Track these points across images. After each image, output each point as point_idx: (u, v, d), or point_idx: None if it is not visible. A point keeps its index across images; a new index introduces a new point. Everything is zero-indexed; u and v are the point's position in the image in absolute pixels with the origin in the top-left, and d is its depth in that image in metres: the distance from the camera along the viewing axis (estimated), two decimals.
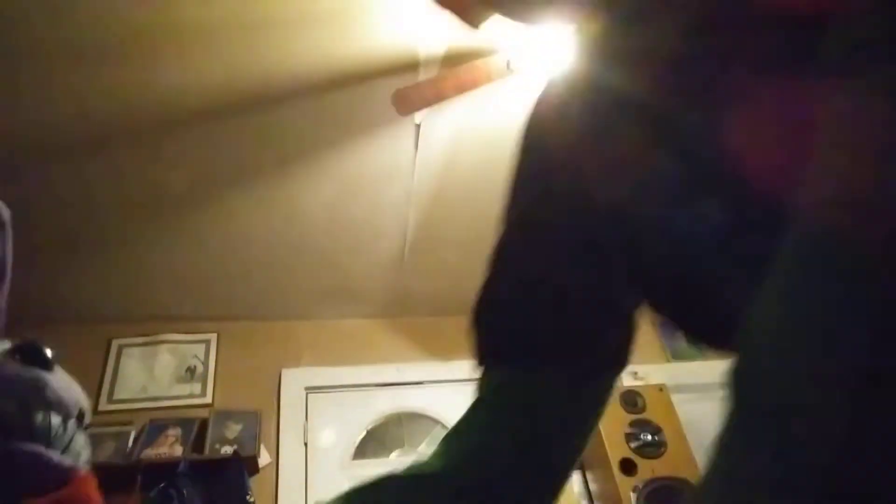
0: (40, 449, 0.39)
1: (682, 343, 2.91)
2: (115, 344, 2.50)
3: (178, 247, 2.25)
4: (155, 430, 2.28)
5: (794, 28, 0.32)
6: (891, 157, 0.28)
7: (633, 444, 2.13)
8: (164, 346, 2.55)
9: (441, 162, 2.07)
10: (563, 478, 0.50)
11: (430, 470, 0.48)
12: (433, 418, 2.62)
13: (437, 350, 2.77)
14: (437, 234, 2.39)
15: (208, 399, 2.42)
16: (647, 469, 2.08)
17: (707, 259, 0.42)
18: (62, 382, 0.46)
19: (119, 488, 1.87)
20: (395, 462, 2.50)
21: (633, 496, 2.02)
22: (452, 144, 2.00)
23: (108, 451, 2.16)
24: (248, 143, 1.88)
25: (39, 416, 0.41)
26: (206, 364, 2.52)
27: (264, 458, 2.29)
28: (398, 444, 2.58)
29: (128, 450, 2.20)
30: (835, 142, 0.31)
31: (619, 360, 0.50)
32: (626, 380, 2.35)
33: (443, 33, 1.61)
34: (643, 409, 2.22)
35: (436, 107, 1.75)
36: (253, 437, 2.32)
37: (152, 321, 2.57)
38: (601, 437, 2.13)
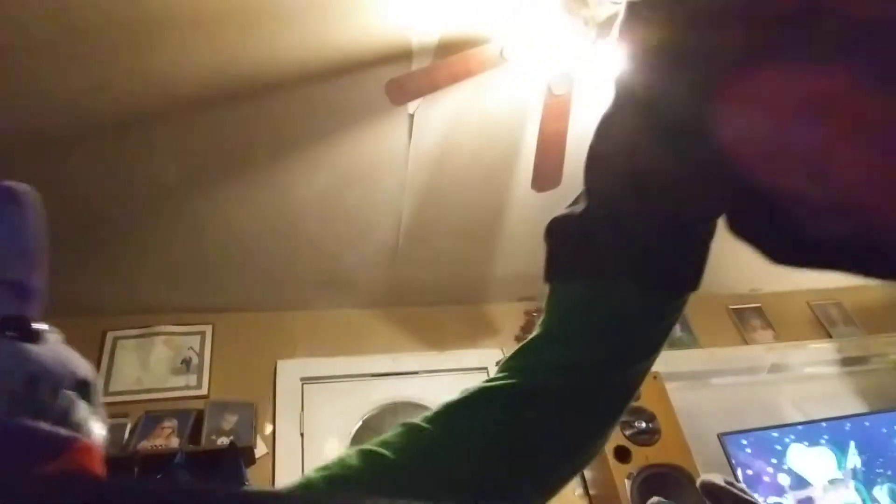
0: (24, 420, 0.38)
1: (675, 332, 2.93)
2: (109, 336, 2.50)
3: (172, 238, 2.24)
4: (151, 422, 2.28)
5: (797, 19, 0.32)
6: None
7: (627, 432, 2.15)
8: (159, 338, 2.54)
9: (435, 151, 2.06)
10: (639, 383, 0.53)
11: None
12: (428, 408, 2.62)
13: (432, 340, 2.78)
14: (432, 223, 2.39)
15: (204, 390, 2.42)
16: (642, 456, 2.10)
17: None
18: (49, 353, 0.45)
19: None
20: None
21: (627, 483, 2.04)
22: (446, 134, 2.00)
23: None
24: (241, 133, 1.87)
25: (20, 387, 0.40)
26: (201, 355, 2.52)
27: (260, 449, 2.30)
28: None
29: (123, 442, 2.20)
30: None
31: (698, 282, 0.52)
32: None
33: (436, 22, 1.60)
34: (637, 397, 2.23)
35: (429, 96, 1.74)
36: (249, 427, 2.32)
37: (147, 313, 2.57)
38: None
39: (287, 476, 2.28)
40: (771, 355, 2.91)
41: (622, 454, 2.11)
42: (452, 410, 0.50)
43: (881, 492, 2.33)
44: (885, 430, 2.49)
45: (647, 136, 0.46)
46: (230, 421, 2.33)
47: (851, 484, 2.33)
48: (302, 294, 2.67)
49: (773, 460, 2.36)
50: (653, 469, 2.07)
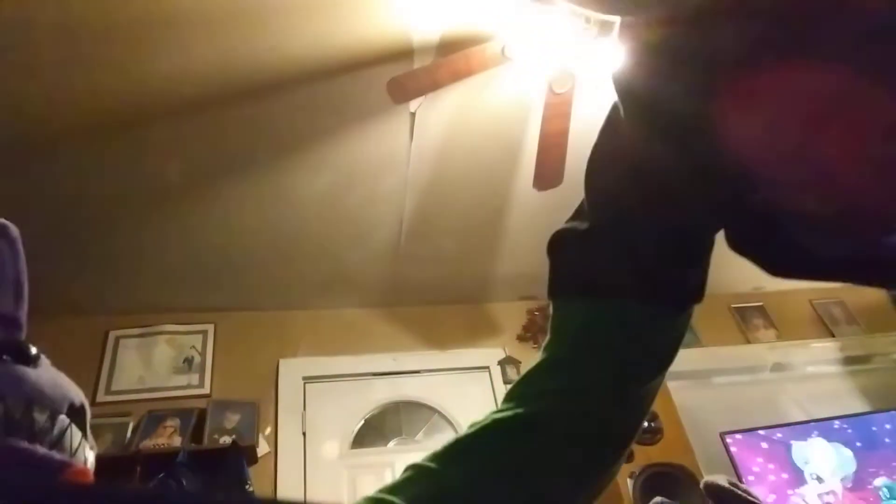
0: (20, 443, 0.38)
1: None
2: (112, 336, 2.50)
3: (174, 238, 2.25)
4: (153, 421, 2.28)
5: (800, 18, 0.32)
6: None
7: None
8: (162, 338, 2.55)
9: (436, 150, 2.06)
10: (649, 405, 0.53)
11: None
12: (430, 407, 2.63)
13: (434, 339, 2.78)
14: (434, 222, 2.39)
15: (206, 390, 2.42)
16: (644, 456, 2.10)
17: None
18: (45, 377, 0.45)
19: (118, 479, 1.87)
20: (392, 451, 2.51)
21: (629, 482, 2.04)
22: (448, 132, 2.00)
23: (106, 443, 2.17)
24: (242, 132, 1.87)
25: (19, 412, 0.40)
26: (203, 355, 2.52)
27: (263, 448, 2.30)
28: (396, 432, 2.59)
29: (126, 441, 2.21)
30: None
31: (702, 294, 0.52)
32: None
33: (437, 21, 1.60)
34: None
35: (431, 95, 1.74)
36: (251, 426, 2.33)
37: (149, 313, 2.57)
38: None
39: (289, 475, 2.29)
40: (773, 354, 2.91)
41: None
42: (461, 447, 0.48)
43: (878, 484, 2.32)
44: (888, 427, 2.49)
45: (649, 136, 0.46)
46: (232, 420, 2.33)
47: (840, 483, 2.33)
48: (304, 293, 2.68)
49: (776, 459, 2.35)
50: (655, 468, 2.07)
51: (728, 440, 2.34)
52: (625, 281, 0.50)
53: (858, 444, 2.44)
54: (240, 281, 2.53)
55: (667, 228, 0.49)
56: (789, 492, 2.29)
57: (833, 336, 3.08)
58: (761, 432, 2.41)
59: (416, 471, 0.46)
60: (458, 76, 1.56)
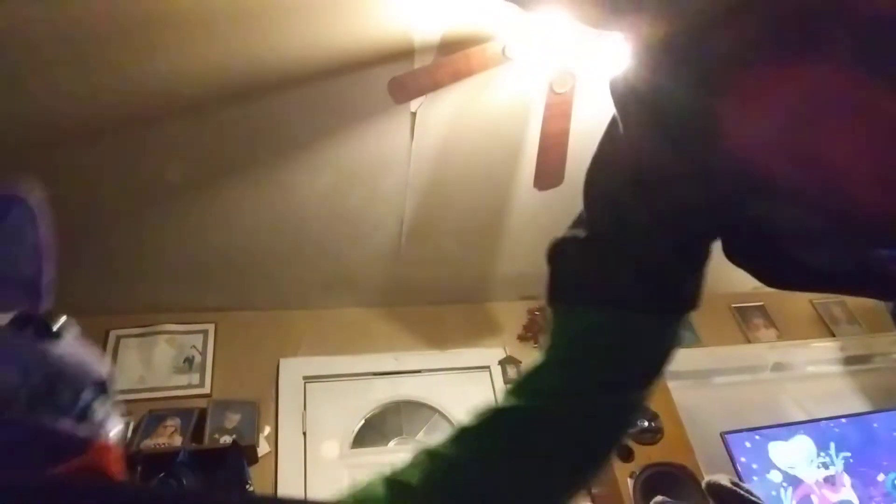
0: (46, 420, 0.38)
1: None
2: (112, 335, 2.50)
3: (175, 237, 2.25)
4: (154, 420, 2.28)
5: (806, 18, 0.32)
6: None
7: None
8: (162, 337, 2.55)
9: (437, 150, 2.06)
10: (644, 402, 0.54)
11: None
12: (431, 406, 2.63)
13: (435, 339, 2.78)
14: (434, 222, 2.39)
15: (207, 389, 2.42)
16: (644, 455, 2.10)
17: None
18: (69, 351, 0.44)
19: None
20: (392, 451, 2.51)
21: (630, 482, 2.04)
22: (448, 132, 2.00)
23: None
24: (243, 132, 1.87)
25: (42, 388, 0.40)
26: (204, 354, 2.53)
27: (263, 448, 2.30)
28: (396, 432, 2.60)
29: (127, 441, 2.21)
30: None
31: (697, 303, 0.53)
32: None
33: (438, 20, 1.60)
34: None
35: (432, 94, 1.74)
36: (252, 426, 2.33)
37: (150, 312, 2.57)
38: None
39: (289, 475, 2.29)
40: (774, 354, 2.90)
41: (625, 453, 2.10)
42: (470, 432, 0.51)
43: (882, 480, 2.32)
44: (888, 427, 2.49)
45: (651, 138, 0.46)
46: (233, 420, 2.33)
47: (845, 479, 2.33)
48: (304, 293, 2.68)
49: (775, 458, 2.35)
50: (655, 468, 2.07)
51: (728, 440, 2.34)
52: (624, 290, 0.51)
53: (859, 442, 2.44)
54: (240, 280, 2.53)
55: (666, 237, 0.50)
56: (784, 490, 2.28)
57: (834, 336, 3.08)
58: (762, 432, 2.41)
59: (426, 455, 0.49)
60: (458, 76, 1.56)
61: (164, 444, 2.19)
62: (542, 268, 0.54)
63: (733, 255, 0.47)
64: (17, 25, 1.43)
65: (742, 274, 0.49)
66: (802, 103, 0.33)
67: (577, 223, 0.55)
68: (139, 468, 1.98)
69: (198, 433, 2.28)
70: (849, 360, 2.98)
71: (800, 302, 3.19)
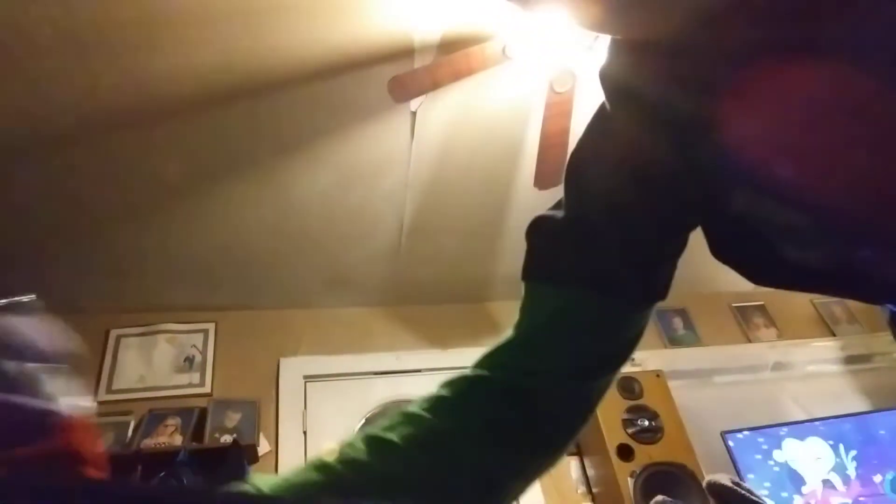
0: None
1: (678, 330, 2.93)
2: (113, 334, 2.50)
3: (175, 236, 2.25)
4: (154, 419, 2.28)
5: (805, 16, 0.32)
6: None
7: (630, 430, 2.15)
8: (162, 336, 2.55)
9: (437, 149, 2.06)
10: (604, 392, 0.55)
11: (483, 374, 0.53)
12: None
13: (435, 338, 2.78)
14: (435, 221, 2.39)
15: (207, 388, 2.42)
16: (644, 455, 2.10)
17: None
18: (23, 325, 0.43)
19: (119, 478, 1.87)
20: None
21: (630, 481, 2.04)
22: (449, 131, 1.99)
23: (107, 442, 2.17)
24: (243, 131, 1.87)
25: None
26: (204, 353, 2.52)
27: (263, 447, 2.30)
28: None
29: (127, 440, 2.21)
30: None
31: (664, 294, 0.54)
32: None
33: (438, 20, 1.60)
34: (640, 395, 2.23)
35: (432, 94, 1.74)
36: (252, 425, 2.33)
37: (150, 311, 2.57)
38: (598, 422, 2.15)
39: None
40: (774, 353, 2.90)
41: (625, 452, 2.10)
42: (451, 401, 0.52)
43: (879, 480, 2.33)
44: (889, 426, 2.49)
45: (643, 132, 0.46)
46: (233, 419, 2.33)
47: (846, 479, 2.33)
48: (305, 292, 2.68)
49: (775, 458, 2.35)
50: (656, 467, 2.07)
51: (729, 439, 2.34)
52: (593, 273, 0.51)
53: (859, 442, 2.44)
54: (240, 280, 2.53)
55: (640, 224, 0.50)
56: (787, 490, 2.28)
57: (834, 335, 3.08)
58: (762, 431, 2.41)
59: (405, 416, 0.51)
60: (458, 75, 1.55)
61: (164, 443, 2.19)
62: None
63: (720, 254, 0.48)
64: (18, 25, 1.43)
65: None
66: (800, 101, 0.33)
67: (558, 204, 0.55)
68: (139, 467, 1.98)
69: (198, 432, 2.28)
70: (849, 360, 2.98)
71: (800, 301, 3.19)
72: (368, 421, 2.57)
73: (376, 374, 2.64)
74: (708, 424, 2.42)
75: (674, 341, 2.87)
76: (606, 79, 0.48)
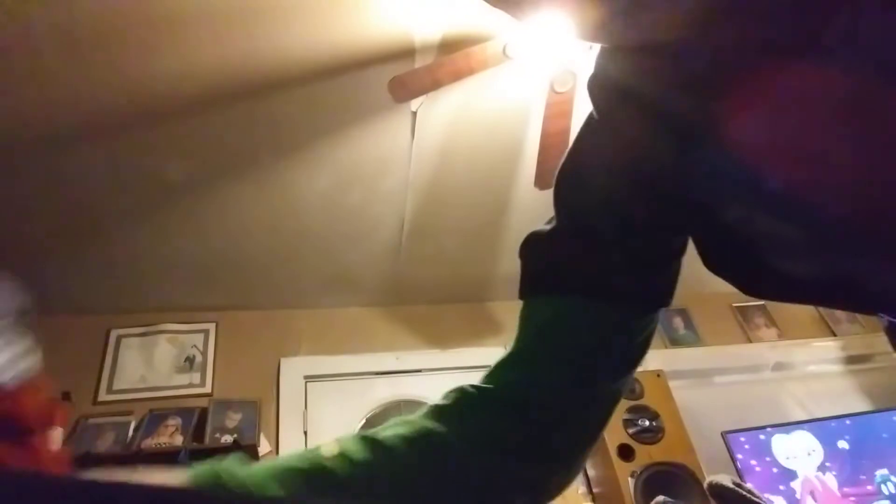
0: None
1: (679, 330, 2.93)
2: (113, 334, 2.50)
3: (176, 236, 2.25)
4: (155, 420, 2.28)
5: (806, 20, 0.31)
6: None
7: (630, 430, 2.15)
8: (163, 336, 2.55)
9: (438, 149, 2.06)
10: (612, 406, 0.53)
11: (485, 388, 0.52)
12: (428, 404, 2.62)
13: (436, 338, 2.78)
14: (435, 221, 2.39)
15: (208, 389, 2.42)
16: (645, 454, 2.10)
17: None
18: None
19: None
20: None
21: (630, 481, 2.03)
22: (449, 131, 1.99)
23: (108, 442, 2.17)
24: (244, 131, 1.87)
25: None
26: (205, 354, 2.52)
27: (264, 447, 2.30)
28: None
29: (128, 440, 2.21)
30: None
31: (668, 298, 0.53)
32: None
33: (438, 20, 1.60)
34: (641, 395, 2.23)
35: (432, 94, 1.74)
36: (252, 426, 2.33)
37: (150, 311, 2.57)
38: None
39: None
40: (775, 353, 2.90)
41: (625, 452, 2.10)
42: (450, 409, 0.51)
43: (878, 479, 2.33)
44: (889, 425, 2.48)
45: (646, 135, 0.45)
46: (234, 419, 2.33)
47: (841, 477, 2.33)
48: (305, 292, 2.67)
49: (775, 457, 2.35)
50: (656, 467, 2.07)
51: (729, 439, 2.34)
52: (591, 280, 0.51)
53: (859, 441, 2.44)
54: (241, 280, 2.53)
55: (639, 229, 0.50)
56: (781, 487, 2.28)
57: (835, 335, 3.07)
58: (763, 431, 2.40)
59: (405, 423, 0.51)
60: (459, 75, 1.55)
61: (164, 443, 2.19)
62: None
63: (714, 265, 0.47)
64: (18, 25, 1.43)
65: None
66: (798, 104, 0.33)
67: (549, 222, 0.55)
68: (140, 467, 1.98)
69: (199, 432, 2.28)
70: (850, 360, 2.98)
71: None
72: (369, 421, 2.57)
73: (377, 374, 2.64)
74: (708, 424, 2.42)
75: (674, 341, 2.87)
76: (598, 86, 0.48)
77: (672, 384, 2.33)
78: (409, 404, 2.64)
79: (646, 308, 0.52)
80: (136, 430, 2.25)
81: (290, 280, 2.58)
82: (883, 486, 2.33)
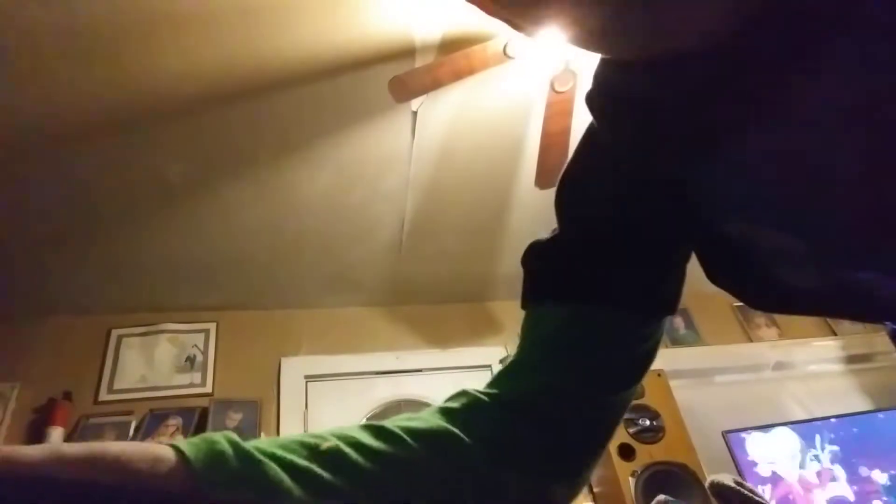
0: None
1: (679, 329, 2.92)
2: (114, 334, 2.50)
3: (176, 236, 2.25)
4: (155, 419, 2.29)
5: (815, 26, 0.31)
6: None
7: (631, 430, 2.15)
8: (164, 336, 2.55)
9: (438, 149, 2.06)
10: (619, 416, 0.53)
11: (489, 397, 0.50)
12: (432, 405, 2.62)
13: (436, 337, 2.78)
14: (435, 221, 2.39)
15: (208, 388, 2.42)
16: (646, 454, 2.10)
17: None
18: None
19: None
20: None
21: (631, 481, 2.03)
22: (450, 131, 1.99)
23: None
24: (244, 131, 1.87)
25: None
26: (205, 353, 2.52)
27: None
28: None
29: (128, 440, 2.21)
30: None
31: (673, 306, 0.52)
32: None
33: (439, 19, 1.60)
34: (641, 395, 2.23)
35: (433, 93, 1.74)
36: (253, 425, 2.33)
37: (151, 311, 2.57)
38: None
39: None
40: (775, 353, 2.90)
41: (626, 452, 2.10)
42: (458, 411, 0.50)
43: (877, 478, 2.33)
44: (889, 425, 2.48)
45: (649, 144, 0.45)
46: (234, 419, 2.33)
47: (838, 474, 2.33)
48: (306, 292, 2.68)
49: (776, 457, 2.35)
50: (657, 467, 2.07)
51: (730, 439, 2.34)
52: (595, 286, 0.50)
53: (857, 440, 2.44)
54: (241, 280, 2.53)
55: (643, 236, 0.50)
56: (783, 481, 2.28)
57: (835, 334, 3.07)
58: (763, 431, 2.40)
59: (411, 417, 0.49)
60: (459, 75, 1.55)
61: (165, 443, 2.19)
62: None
63: (717, 279, 0.47)
64: (18, 25, 1.43)
65: None
66: (800, 112, 0.33)
67: (552, 231, 0.55)
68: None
69: (199, 432, 2.26)
70: (851, 359, 2.98)
71: None
72: (369, 420, 2.57)
73: (377, 373, 2.64)
74: (709, 424, 2.42)
75: (675, 341, 2.87)
76: (599, 95, 0.48)
77: (673, 384, 2.33)
78: (409, 404, 2.64)
79: (650, 316, 0.52)
80: (136, 429, 2.25)
81: (291, 280, 2.58)
82: (883, 486, 2.33)
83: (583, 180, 0.53)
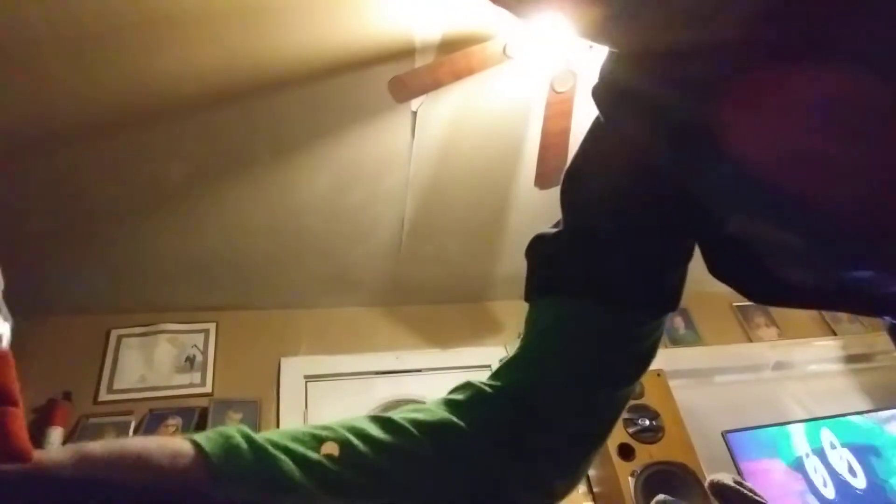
0: None
1: (679, 329, 2.93)
2: (113, 334, 2.50)
3: (176, 237, 2.25)
4: (155, 419, 2.28)
5: (806, 20, 0.31)
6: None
7: (630, 430, 2.15)
8: (163, 336, 2.55)
9: (438, 149, 2.06)
10: (619, 411, 0.53)
11: (490, 389, 0.51)
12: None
13: (436, 337, 2.78)
14: (435, 221, 2.39)
15: (208, 388, 2.42)
16: (645, 454, 2.10)
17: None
18: None
19: None
20: None
21: (631, 481, 2.03)
22: (449, 131, 1.99)
23: None
24: (243, 131, 1.87)
25: None
26: (205, 353, 2.52)
27: None
28: None
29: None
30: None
31: (674, 303, 0.52)
32: None
33: (439, 19, 1.60)
34: (641, 395, 2.23)
35: (432, 93, 1.74)
36: (253, 426, 2.33)
37: (151, 311, 2.57)
38: None
39: None
40: (775, 353, 2.90)
41: (626, 452, 2.10)
42: (462, 403, 0.51)
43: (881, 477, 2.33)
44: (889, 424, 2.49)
45: (643, 137, 0.45)
46: (234, 419, 2.33)
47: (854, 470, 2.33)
48: (305, 292, 2.68)
49: (776, 457, 2.35)
50: (656, 467, 2.07)
51: (730, 439, 2.34)
52: (598, 283, 0.51)
53: (857, 439, 2.44)
54: (241, 280, 2.53)
55: (644, 233, 0.50)
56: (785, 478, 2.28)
57: (835, 334, 3.07)
58: (763, 431, 2.40)
59: (417, 409, 0.51)
60: (459, 75, 1.55)
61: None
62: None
63: (718, 273, 0.47)
64: (17, 25, 1.43)
65: None
66: (803, 107, 0.33)
67: (556, 225, 0.55)
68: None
69: (199, 432, 2.28)
70: (850, 359, 2.98)
71: None
72: None
73: (377, 373, 2.64)
74: (709, 424, 2.42)
75: (675, 341, 2.87)
76: (604, 90, 0.48)
77: (672, 384, 2.33)
78: (409, 404, 2.63)
79: (651, 313, 0.52)
80: (136, 430, 2.25)
81: (291, 280, 2.58)
82: (884, 485, 2.33)
83: (587, 174, 0.53)
